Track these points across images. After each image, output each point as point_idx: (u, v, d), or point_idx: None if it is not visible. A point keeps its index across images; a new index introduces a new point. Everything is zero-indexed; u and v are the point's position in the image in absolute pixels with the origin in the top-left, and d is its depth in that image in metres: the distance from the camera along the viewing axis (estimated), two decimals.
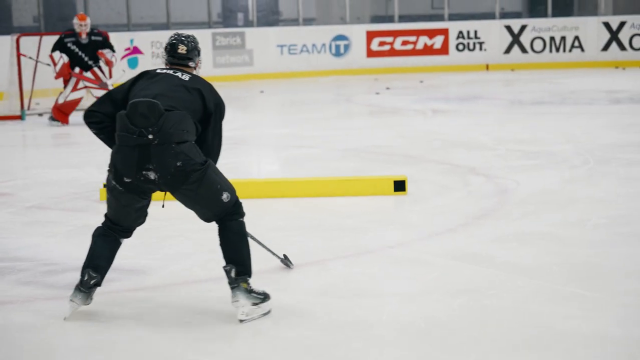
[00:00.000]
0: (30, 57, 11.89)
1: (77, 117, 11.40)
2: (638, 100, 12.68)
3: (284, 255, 4.57)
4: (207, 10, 18.24)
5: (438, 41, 18.78)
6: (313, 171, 7.38)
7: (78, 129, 10.91)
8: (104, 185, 6.31)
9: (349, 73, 18.16)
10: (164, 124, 3.66)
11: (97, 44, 11.13)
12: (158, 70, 3.91)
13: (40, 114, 12.10)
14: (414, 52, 18.75)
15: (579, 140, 8.70)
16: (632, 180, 6.70)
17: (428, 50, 18.78)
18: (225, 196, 3.76)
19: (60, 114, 11.16)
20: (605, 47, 18.59)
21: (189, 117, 3.74)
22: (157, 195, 3.93)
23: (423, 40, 18.76)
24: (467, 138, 9.18)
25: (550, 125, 10.11)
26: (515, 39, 18.81)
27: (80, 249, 4.98)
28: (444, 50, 18.79)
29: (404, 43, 18.72)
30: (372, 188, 6.32)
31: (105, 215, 3.90)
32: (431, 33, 18.79)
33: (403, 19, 19.15)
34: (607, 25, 18.60)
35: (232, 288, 3.77)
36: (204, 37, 16.83)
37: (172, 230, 5.38)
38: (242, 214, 3.85)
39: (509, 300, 3.94)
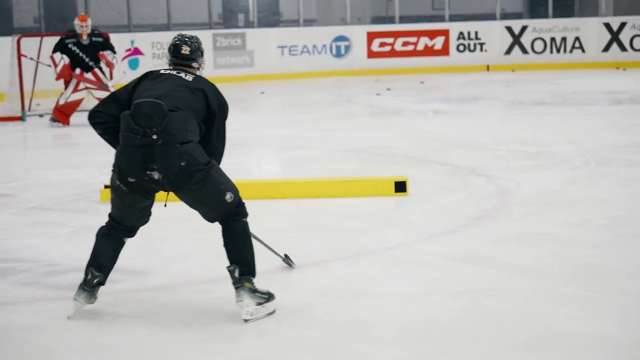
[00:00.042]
0: (31, 58, 11.89)
1: (77, 118, 11.41)
2: (639, 101, 12.67)
3: (285, 255, 4.58)
4: (208, 11, 18.24)
5: (439, 42, 18.78)
6: (314, 172, 7.38)
7: (79, 130, 10.92)
8: (105, 187, 6.37)
9: (349, 74, 18.15)
10: (168, 124, 3.68)
11: (98, 45, 11.13)
12: (162, 71, 3.93)
13: (41, 115, 12.11)
14: (414, 53, 18.75)
15: (580, 141, 8.69)
16: (633, 181, 6.70)
17: (429, 51, 18.78)
18: (228, 196, 3.78)
19: (61, 115, 11.17)
20: (606, 48, 18.58)
21: (192, 117, 3.76)
22: (159, 195, 3.94)
23: (424, 41, 18.76)
24: (468, 139, 9.18)
25: (551, 126, 10.11)
26: (516, 39, 18.81)
27: (81, 250, 4.98)
28: (444, 51, 18.79)
29: (405, 44, 18.72)
30: (372, 189, 6.32)
31: (109, 215, 3.92)
32: (432, 34, 18.79)
33: (404, 19, 19.15)
34: (607, 26, 18.59)
35: (237, 288, 3.78)
36: (204, 38, 16.82)
37: (173, 231, 5.38)
38: (246, 215, 3.87)
39: (509, 301, 3.93)
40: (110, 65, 11.14)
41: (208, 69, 16.43)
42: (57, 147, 10.19)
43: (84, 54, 11.06)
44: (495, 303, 3.91)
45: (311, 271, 4.54)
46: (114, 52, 11.25)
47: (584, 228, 5.28)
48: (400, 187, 6.30)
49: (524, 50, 18.79)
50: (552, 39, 18.71)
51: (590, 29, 18.61)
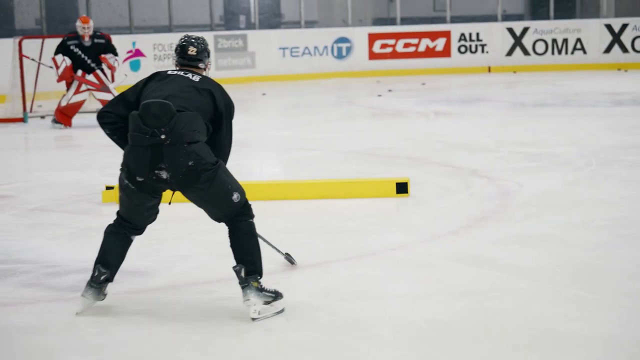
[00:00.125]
0: (32, 59, 11.90)
1: (79, 119, 11.42)
2: None
3: (287, 254, 4.60)
4: (209, 12, 18.25)
5: (440, 43, 18.78)
6: (315, 173, 7.38)
7: (80, 131, 10.93)
8: (107, 188, 6.37)
9: (351, 75, 18.15)
10: (176, 124, 3.71)
11: (100, 46, 11.14)
12: (169, 72, 3.97)
13: (42, 117, 12.11)
14: (416, 55, 18.75)
15: (581, 142, 8.69)
16: (634, 182, 6.70)
17: (430, 53, 18.78)
18: (235, 196, 3.82)
19: (63, 116, 11.18)
20: (608, 49, 18.58)
21: (200, 117, 3.80)
22: (164, 194, 3.96)
23: (425, 43, 18.76)
24: (470, 140, 9.17)
25: (552, 127, 10.11)
26: (518, 41, 18.81)
27: (82, 252, 4.99)
28: (446, 52, 18.79)
29: (406, 45, 18.73)
30: (374, 190, 6.32)
31: (117, 213, 3.96)
32: (433, 35, 18.79)
33: (405, 21, 19.16)
34: (609, 27, 18.59)
35: (243, 287, 3.80)
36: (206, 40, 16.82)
37: (173, 232, 5.38)
38: (252, 216, 3.91)
39: (511, 302, 3.93)
40: (111, 68, 11.15)
41: (209, 71, 16.42)
42: (58, 148, 10.20)
43: (86, 55, 11.07)
44: (497, 304, 3.91)
45: (312, 272, 4.54)
46: (116, 55, 11.25)
47: (585, 229, 5.28)
48: (402, 188, 6.30)
49: (526, 52, 18.79)
50: (554, 41, 18.71)
51: (592, 31, 18.61)
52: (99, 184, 6.91)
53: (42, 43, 12.16)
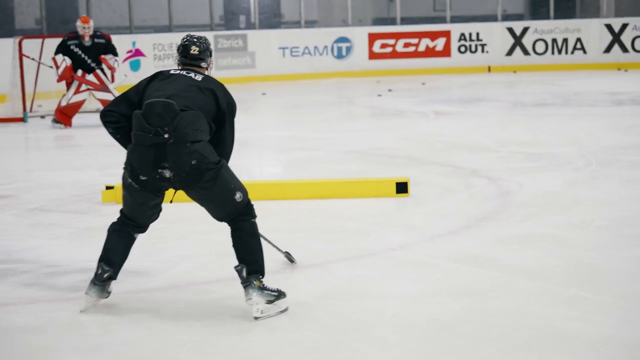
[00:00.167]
0: (32, 59, 11.90)
1: (79, 119, 11.42)
2: None
3: (287, 252, 4.62)
4: (209, 12, 18.25)
5: (440, 43, 18.78)
6: (315, 173, 7.38)
7: (80, 131, 10.93)
8: (107, 188, 6.37)
9: (351, 75, 18.15)
10: (179, 123, 3.73)
11: (100, 46, 11.14)
12: (172, 71, 3.99)
13: (42, 116, 12.11)
14: (416, 54, 18.75)
15: (581, 142, 8.69)
16: (634, 182, 6.70)
17: (430, 53, 18.78)
18: (238, 196, 3.84)
19: (63, 116, 11.18)
20: (608, 49, 18.58)
21: (202, 117, 3.82)
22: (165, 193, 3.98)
23: (425, 43, 18.76)
24: (470, 140, 9.17)
25: (552, 127, 10.11)
26: (517, 41, 18.81)
27: (82, 251, 4.99)
28: (446, 52, 18.79)
29: (406, 45, 18.73)
30: (374, 190, 6.32)
31: (121, 211, 3.99)
32: (433, 35, 18.79)
33: (405, 21, 19.16)
34: (609, 27, 18.59)
35: (245, 287, 3.81)
36: None
37: (173, 232, 5.38)
38: (254, 216, 3.92)
39: (511, 303, 3.93)
40: (111, 68, 11.15)
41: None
42: (58, 148, 10.20)
43: (86, 55, 11.07)
44: (497, 304, 3.91)
45: (312, 272, 4.54)
46: (116, 55, 11.25)
47: (585, 229, 5.28)
48: (402, 188, 6.30)
49: (526, 52, 18.79)
50: (554, 40, 18.71)
51: (592, 30, 18.61)
52: (99, 183, 6.91)
53: (42, 43, 12.16)
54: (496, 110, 12.19)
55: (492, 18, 19.25)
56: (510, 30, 18.83)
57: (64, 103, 11.14)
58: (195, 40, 4.05)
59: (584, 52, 18.64)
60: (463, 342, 3.49)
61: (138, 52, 16.65)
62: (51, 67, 11.26)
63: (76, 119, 11.31)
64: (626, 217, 5.54)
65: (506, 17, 19.56)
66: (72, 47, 11.03)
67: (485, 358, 3.35)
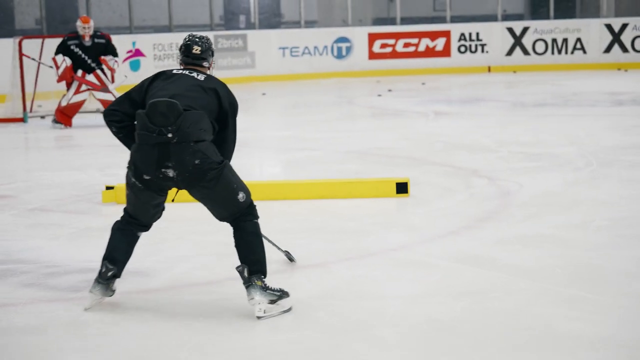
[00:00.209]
0: (33, 59, 11.90)
1: (79, 119, 11.42)
2: None
3: (286, 251, 4.63)
4: (209, 12, 18.25)
5: (440, 43, 18.78)
6: (315, 173, 7.38)
7: (80, 131, 10.93)
8: (107, 188, 6.37)
9: (350, 75, 18.15)
10: (183, 123, 3.75)
11: (100, 46, 11.14)
12: (174, 71, 4.01)
13: (42, 117, 12.11)
14: (416, 54, 18.75)
15: (581, 143, 8.69)
16: (634, 183, 6.70)
17: (430, 53, 18.78)
18: (241, 196, 3.85)
19: (63, 116, 11.18)
20: (608, 49, 18.58)
21: (206, 116, 3.84)
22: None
23: (425, 43, 18.76)
24: (470, 140, 9.17)
25: (552, 127, 10.11)
26: (517, 41, 18.81)
27: (82, 252, 5.00)
28: (446, 52, 18.79)
29: (406, 45, 18.73)
30: (374, 190, 6.32)
31: (124, 210, 4.01)
32: (433, 35, 18.79)
33: (405, 21, 19.16)
34: (609, 27, 18.59)
35: (247, 287, 3.82)
36: None
37: (173, 232, 5.38)
38: (257, 216, 3.94)
39: (511, 303, 3.93)
40: (111, 70, 11.15)
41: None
42: (58, 148, 10.20)
43: (86, 55, 11.07)
44: (497, 304, 3.91)
45: (313, 272, 4.54)
46: (116, 55, 11.25)
47: (585, 229, 5.28)
48: (402, 188, 6.30)
49: (525, 52, 18.79)
50: (554, 40, 18.71)
51: (592, 30, 18.61)
52: (99, 184, 6.91)
53: (42, 43, 12.16)
54: (496, 110, 12.19)
55: (492, 18, 19.25)
56: (510, 30, 18.83)
57: (64, 103, 11.14)
58: (197, 39, 4.07)
59: (584, 52, 18.64)
60: (463, 342, 3.49)
61: (138, 52, 16.65)
62: (51, 67, 11.25)
63: (76, 119, 11.31)
64: (626, 217, 5.54)
65: (506, 17, 19.56)
66: (72, 47, 11.02)
67: (485, 358, 3.35)
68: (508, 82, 16.77)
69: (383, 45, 18.64)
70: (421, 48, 18.75)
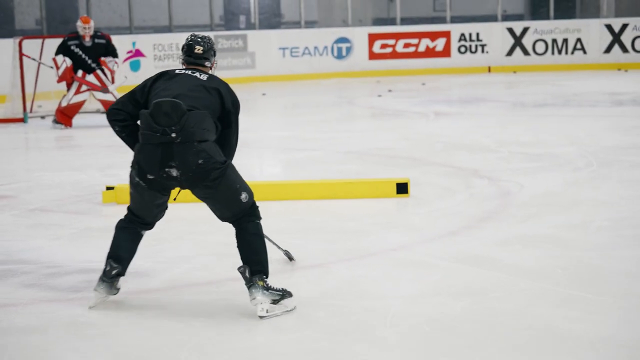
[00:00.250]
0: (33, 59, 11.90)
1: (80, 119, 11.42)
2: None
3: (286, 251, 4.64)
4: (209, 12, 18.26)
5: (440, 43, 18.78)
6: (315, 174, 7.38)
7: (81, 131, 10.93)
8: (107, 188, 6.37)
9: (351, 75, 18.15)
10: (186, 123, 3.77)
11: (101, 46, 11.14)
12: (177, 71, 4.02)
13: (42, 117, 12.11)
14: (416, 55, 18.75)
15: (581, 143, 8.69)
16: (635, 183, 6.70)
17: (430, 53, 18.78)
18: (244, 196, 3.87)
19: (64, 116, 11.18)
20: (608, 50, 18.59)
21: (209, 116, 3.86)
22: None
23: (425, 43, 18.76)
24: (470, 140, 9.18)
25: (552, 127, 10.11)
26: (518, 41, 18.81)
27: (82, 252, 5.00)
28: (446, 52, 18.79)
29: (406, 45, 18.73)
30: (374, 190, 6.32)
31: (128, 208, 4.02)
32: (433, 35, 18.79)
33: (405, 21, 19.16)
34: (609, 27, 18.60)
35: (249, 287, 3.82)
36: None
37: (173, 232, 5.38)
38: (259, 217, 3.95)
39: (511, 303, 3.93)
40: (111, 71, 11.15)
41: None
42: (58, 148, 10.20)
43: (87, 55, 11.07)
44: (497, 305, 3.91)
45: (313, 272, 4.54)
46: (116, 56, 11.25)
47: (585, 230, 5.28)
48: (402, 188, 6.30)
49: (526, 52, 18.79)
50: (554, 41, 18.71)
51: (592, 31, 18.61)
52: (99, 184, 6.91)
53: (42, 43, 12.16)
54: (496, 111, 12.19)
55: (492, 18, 19.25)
56: (510, 30, 18.83)
57: (64, 103, 11.14)
58: (199, 39, 4.08)
59: (584, 52, 18.64)
60: (463, 342, 3.49)
61: (138, 53, 16.65)
62: (51, 67, 11.26)
63: (76, 120, 11.31)
64: (626, 218, 5.54)
65: (506, 17, 19.56)
66: (72, 47, 11.03)
67: (485, 358, 3.35)
68: (508, 83, 16.77)
69: (383, 46, 18.64)
70: (421, 48, 18.76)
